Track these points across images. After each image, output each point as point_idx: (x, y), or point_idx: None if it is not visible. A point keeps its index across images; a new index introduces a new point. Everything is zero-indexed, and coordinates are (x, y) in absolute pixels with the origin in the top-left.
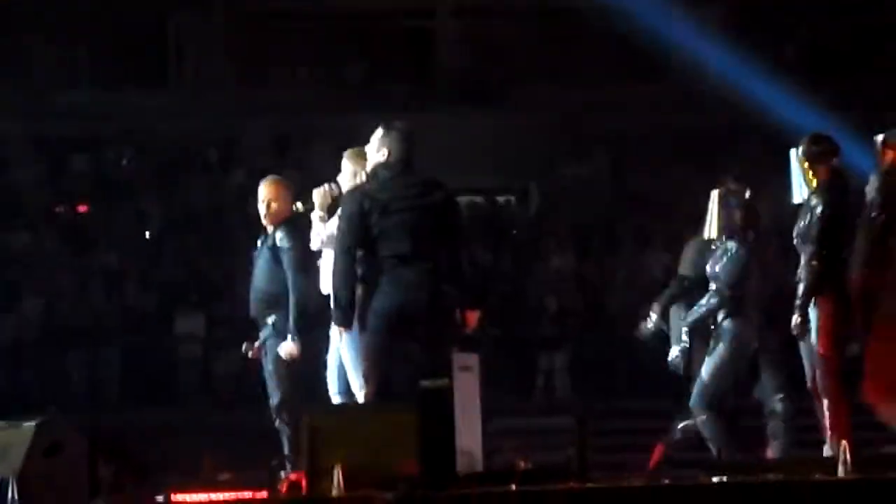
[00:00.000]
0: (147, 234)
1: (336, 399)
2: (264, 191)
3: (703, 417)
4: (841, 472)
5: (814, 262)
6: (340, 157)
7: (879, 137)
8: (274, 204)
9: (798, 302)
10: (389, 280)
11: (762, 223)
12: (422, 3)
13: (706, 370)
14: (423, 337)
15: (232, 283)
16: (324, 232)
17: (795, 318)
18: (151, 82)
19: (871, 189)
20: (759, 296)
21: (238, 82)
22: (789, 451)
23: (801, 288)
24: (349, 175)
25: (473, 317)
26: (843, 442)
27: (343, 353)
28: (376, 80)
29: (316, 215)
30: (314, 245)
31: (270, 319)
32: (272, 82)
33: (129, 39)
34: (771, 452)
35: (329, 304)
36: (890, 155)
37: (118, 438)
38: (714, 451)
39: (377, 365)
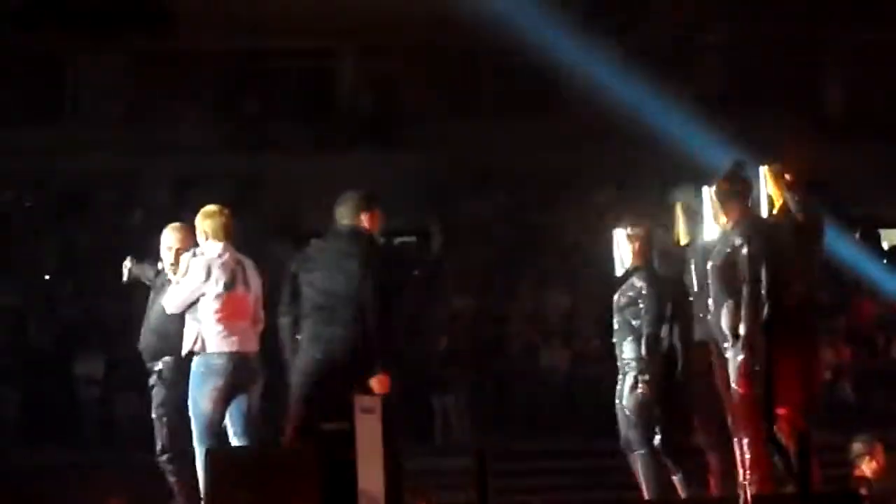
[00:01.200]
0: (46, 275)
1: (234, 441)
2: (170, 237)
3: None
4: None
5: (750, 301)
6: (242, 196)
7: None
8: (180, 250)
9: (742, 340)
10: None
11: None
12: (321, 43)
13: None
14: None
15: (130, 324)
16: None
17: (740, 356)
18: (48, 120)
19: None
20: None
21: (136, 120)
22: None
23: (733, 324)
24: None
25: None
26: (744, 483)
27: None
28: (276, 119)
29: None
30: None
31: (157, 367)
32: (171, 121)
33: (26, 77)
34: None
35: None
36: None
37: (18, 478)
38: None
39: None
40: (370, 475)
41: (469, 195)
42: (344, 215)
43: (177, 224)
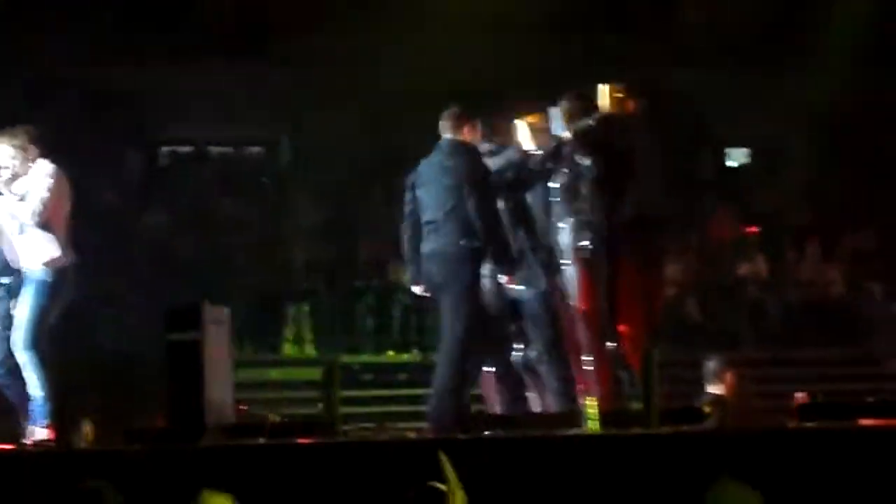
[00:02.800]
0: None
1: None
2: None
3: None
4: (587, 427)
5: (591, 216)
6: (98, 108)
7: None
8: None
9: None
10: None
11: None
12: None
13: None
14: None
15: None
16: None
17: (579, 272)
18: None
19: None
20: None
21: None
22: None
23: (574, 241)
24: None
25: None
26: (588, 398)
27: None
28: (134, 29)
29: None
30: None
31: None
32: (20, 31)
33: None
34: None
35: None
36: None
37: None
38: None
39: None
40: (218, 386)
41: (325, 109)
42: (445, 128)
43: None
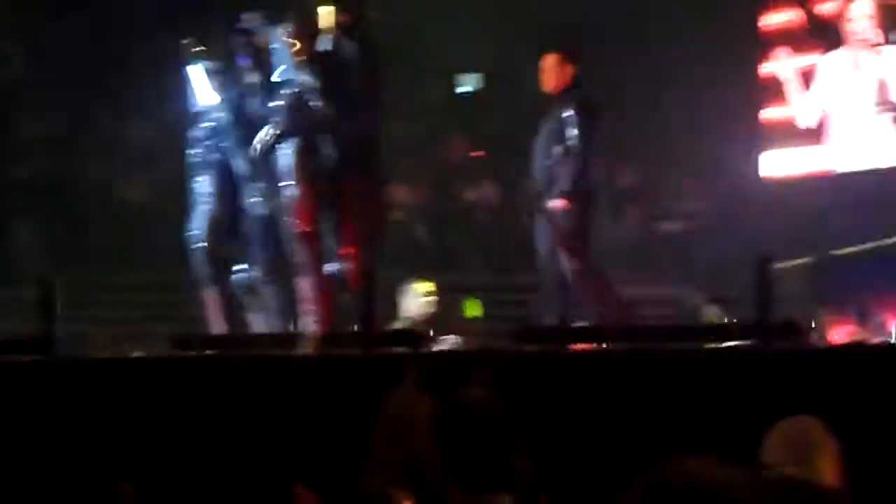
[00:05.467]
0: None
1: None
2: None
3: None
4: (304, 348)
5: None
6: None
7: None
8: None
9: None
10: None
11: None
12: None
13: None
14: None
15: None
16: None
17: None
18: None
19: None
20: None
21: None
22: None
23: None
24: None
25: None
26: (310, 319)
27: None
28: None
29: None
30: None
31: None
32: None
33: None
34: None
35: None
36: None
37: None
38: None
39: None
40: None
41: (54, 18)
42: None
43: None
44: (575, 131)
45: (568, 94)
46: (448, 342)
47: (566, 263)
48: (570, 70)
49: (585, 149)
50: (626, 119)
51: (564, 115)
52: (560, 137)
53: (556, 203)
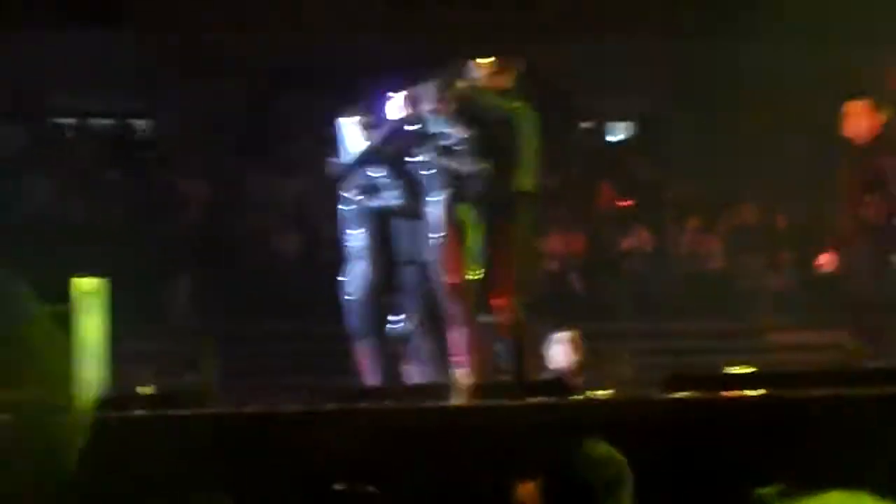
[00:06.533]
0: None
1: None
2: None
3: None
4: (454, 398)
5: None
6: None
7: None
8: None
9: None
10: None
11: None
12: None
13: None
14: None
15: None
16: None
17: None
18: None
19: None
20: None
21: None
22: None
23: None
24: None
25: None
26: (460, 369)
27: None
28: None
29: None
30: None
31: None
32: None
33: None
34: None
35: None
36: None
37: None
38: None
39: None
40: (89, 359)
41: (200, 79)
42: None
43: None
44: None
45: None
46: (599, 392)
47: None
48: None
49: None
50: None
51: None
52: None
53: None
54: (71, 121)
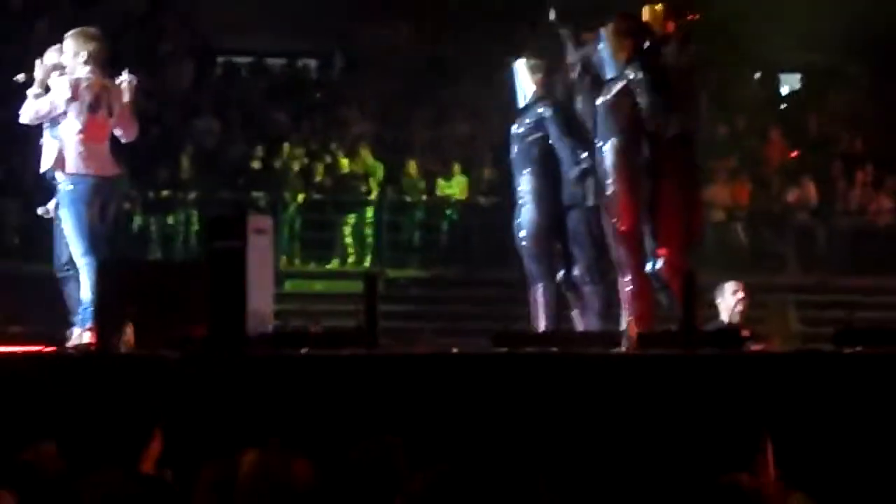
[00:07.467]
0: None
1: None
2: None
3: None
4: (623, 347)
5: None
6: (150, 13)
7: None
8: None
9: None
10: None
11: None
12: None
13: None
14: None
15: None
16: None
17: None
18: None
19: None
20: None
21: None
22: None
23: (616, 162)
24: (70, 55)
25: None
26: (630, 318)
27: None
28: None
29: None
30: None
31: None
32: None
33: None
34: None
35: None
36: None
37: None
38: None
39: None
40: (260, 295)
41: (374, 21)
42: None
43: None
44: None
45: None
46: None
47: None
48: None
49: None
50: None
51: None
52: None
53: None
54: (243, 60)
